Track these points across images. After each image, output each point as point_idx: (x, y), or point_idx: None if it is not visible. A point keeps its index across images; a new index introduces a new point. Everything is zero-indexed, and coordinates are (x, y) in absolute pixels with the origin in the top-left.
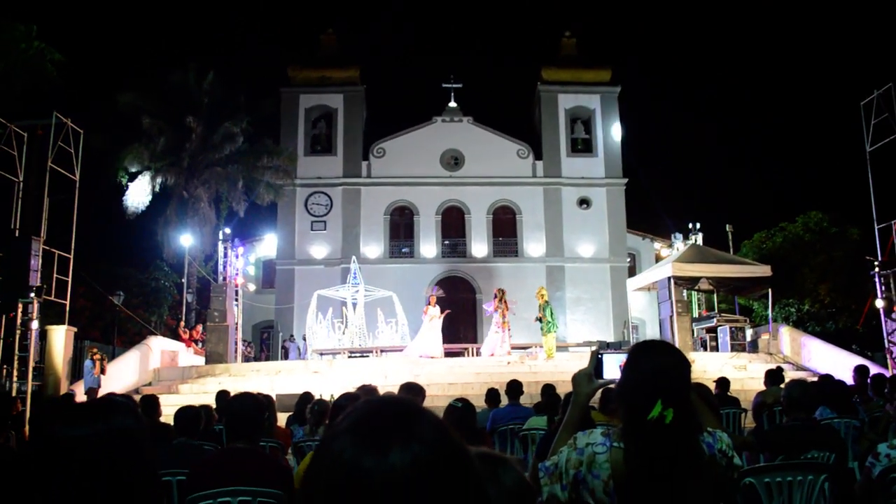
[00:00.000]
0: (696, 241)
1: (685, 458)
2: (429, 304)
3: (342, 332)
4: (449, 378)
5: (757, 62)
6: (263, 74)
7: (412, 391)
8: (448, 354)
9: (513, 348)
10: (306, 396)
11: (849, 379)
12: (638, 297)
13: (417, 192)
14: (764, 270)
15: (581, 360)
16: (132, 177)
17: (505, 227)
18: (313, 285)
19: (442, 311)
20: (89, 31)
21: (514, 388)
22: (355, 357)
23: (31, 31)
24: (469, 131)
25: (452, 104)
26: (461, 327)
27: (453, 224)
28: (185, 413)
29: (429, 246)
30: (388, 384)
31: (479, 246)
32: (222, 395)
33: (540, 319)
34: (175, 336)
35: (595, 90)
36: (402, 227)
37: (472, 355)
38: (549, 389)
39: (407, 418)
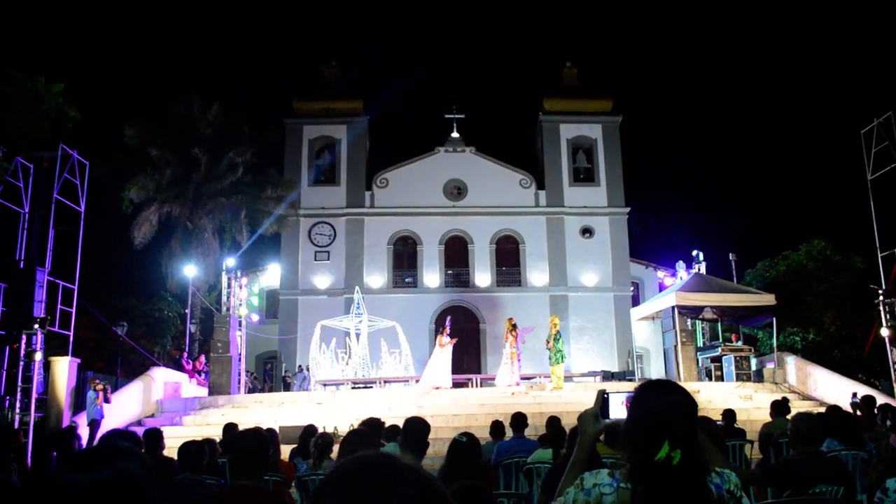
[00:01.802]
0: (699, 269)
1: (692, 500)
2: (441, 333)
3: (346, 363)
4: (453, 410)
5: (758, 91)
6: (267, 106)
7: (414, 427)
8: (453, 385)
9: (521, 378)
10: (310, 429)
11: (846, 407)
12: (642, 327)
13: (420, 221)
14: (768, 299)
15: (586, 390)
16: (137, 208)
17: (508, 256)
18: (317, 315)
19: (451, 339)
20: (94, 64)
21: (519, 420)
22: (359, 388)
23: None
24: (472, 161)
25: (455, 134)
26: (465, 358)
27: (456, 254)
28: (188, 449)
29: (432, 276)
30: (392, 416)
31: (483, 276)
32: (230, 429)
33: (556, 347)
34: (178, 367)
35: (597, 120)
36: (405, 256)
37: (477, 386)
38: (554, 421)
39: (389, 479)
